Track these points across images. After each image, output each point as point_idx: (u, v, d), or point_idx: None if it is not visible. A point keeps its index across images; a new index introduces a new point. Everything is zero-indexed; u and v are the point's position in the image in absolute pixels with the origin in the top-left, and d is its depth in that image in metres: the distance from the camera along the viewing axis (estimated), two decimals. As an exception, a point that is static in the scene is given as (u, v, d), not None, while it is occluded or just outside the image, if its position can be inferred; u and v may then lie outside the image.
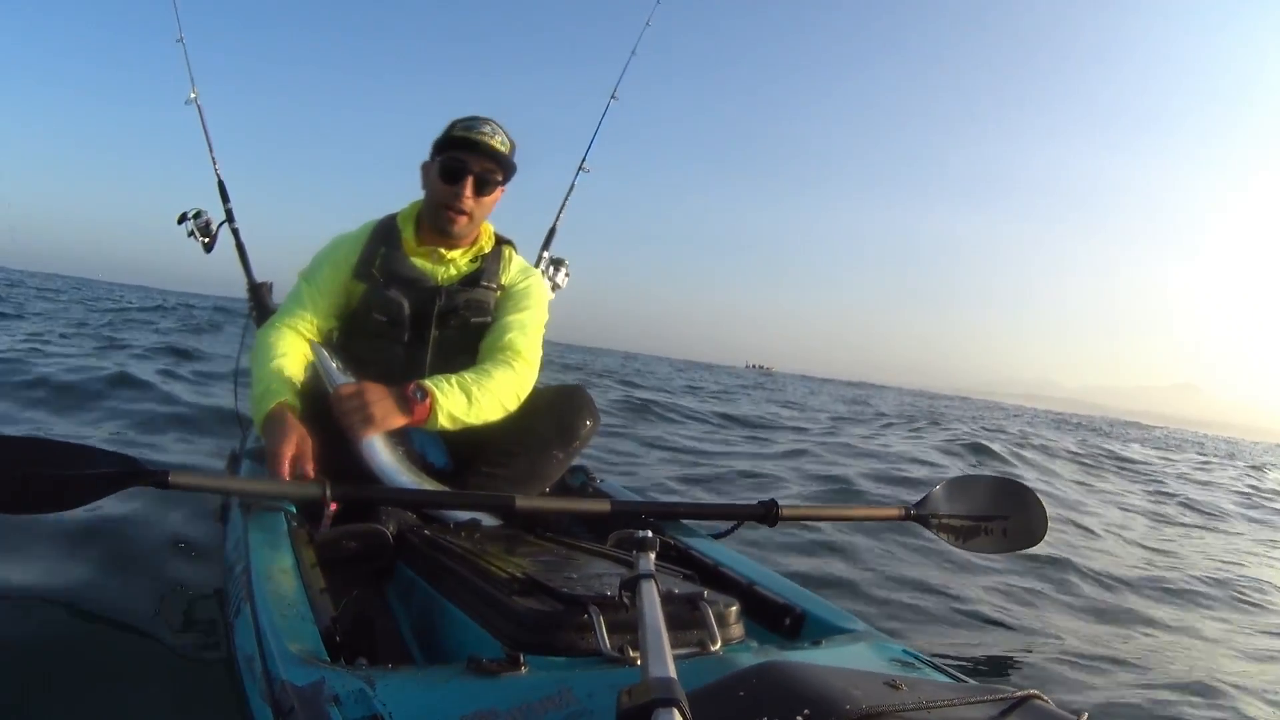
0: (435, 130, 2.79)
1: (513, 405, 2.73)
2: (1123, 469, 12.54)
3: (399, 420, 2.51)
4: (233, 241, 4.10)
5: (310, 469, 2.38)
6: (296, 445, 2.40)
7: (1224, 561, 5.54)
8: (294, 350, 2.72)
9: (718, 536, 2.62)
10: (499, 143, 2.73)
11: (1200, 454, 23.04)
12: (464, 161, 2.71)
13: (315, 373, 2.72)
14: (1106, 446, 16.27)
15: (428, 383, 2.56)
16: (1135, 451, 17.19)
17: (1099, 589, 4.07)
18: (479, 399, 2.62)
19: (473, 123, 2.72)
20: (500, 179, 2.79)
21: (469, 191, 2.73)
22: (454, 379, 2.61)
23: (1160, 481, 11.13)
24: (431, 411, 2.53)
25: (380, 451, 2.52)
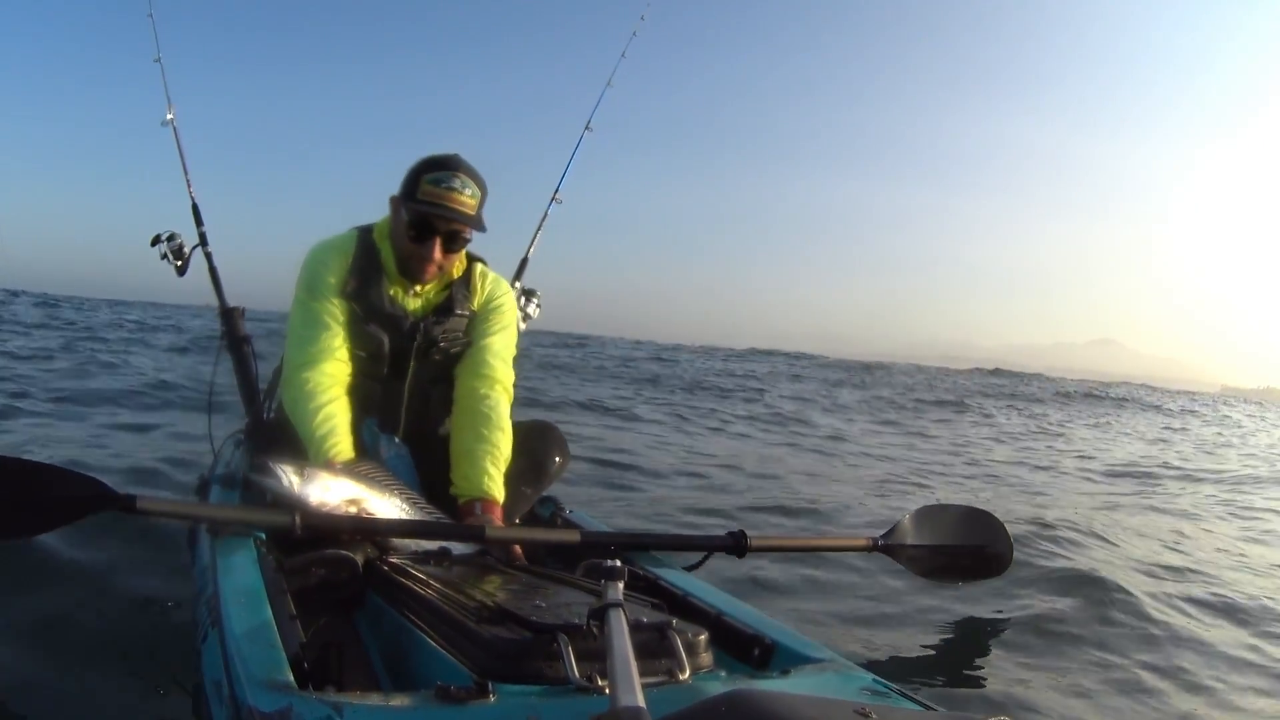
0: (405, 148, 2.74)
1: (509, 429, 2.81)
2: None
3: None
4: (205, 265, 4.08)
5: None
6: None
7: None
8: (339, 387, 2.72)
9: (689, 568, 2.62)
10: (469, 197, 2.67)
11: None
12: (432, 224, 2.67)
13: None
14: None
15: (490, 490, 2.70)
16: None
17: (1072, 610, 4.08)
18: (501, 468, 2.75)
19: (442, 177, 2.64)
20: (469, 235, 2.76)
21: (437, 252, 2.70)
22: (489, 472, 2.72)
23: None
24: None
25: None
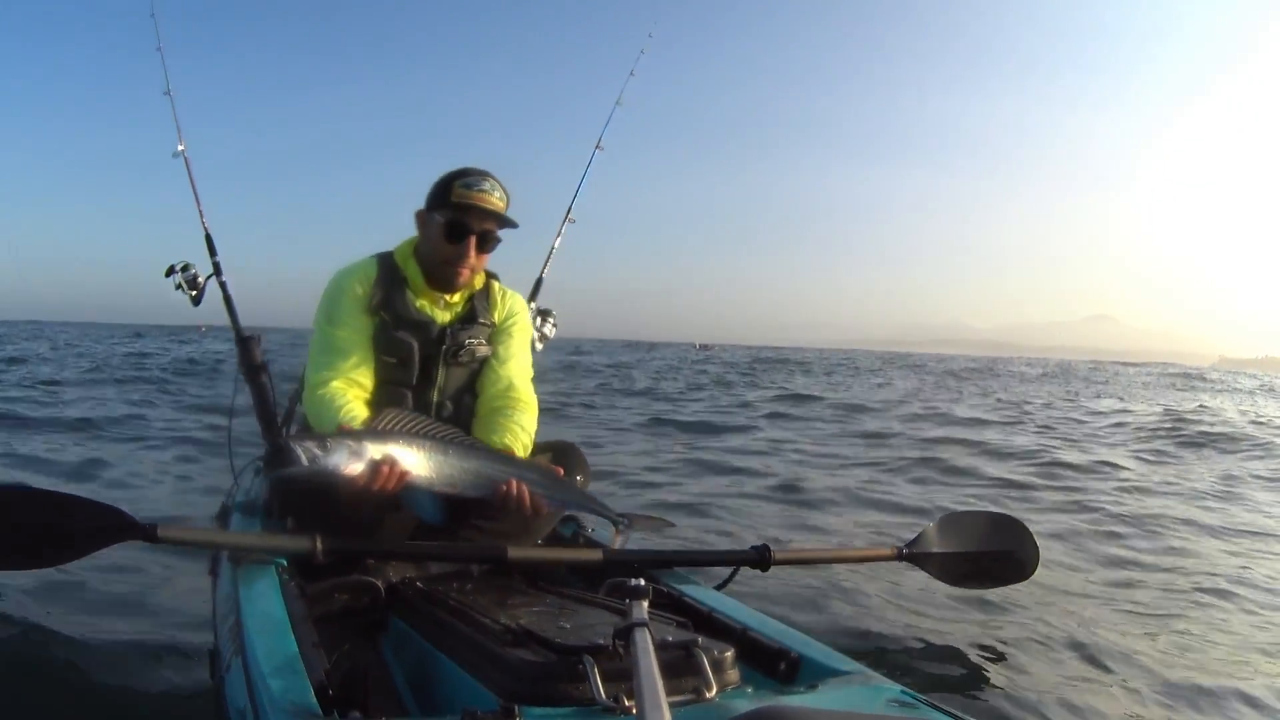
0: (414, 171, 2.78)
1: (529, 441, 2.83)
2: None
3: None
4: (220, 295, 4.10)
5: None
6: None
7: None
8: (357, 393, 2.72)
9: (718, 587, 2.60)
10: (498, 199, 2.78)
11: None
12: (466, 224, 2.75)
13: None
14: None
15: (511, 447, 2.71)
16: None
17: (1101, 615, 4.05)
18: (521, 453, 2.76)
19: (472, 181, 2.75)
20: (499, 236, 2.84)
21: (472, 252, 2.78)
22: (509, 446, 2.72)
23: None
24: None
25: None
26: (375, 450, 2.34)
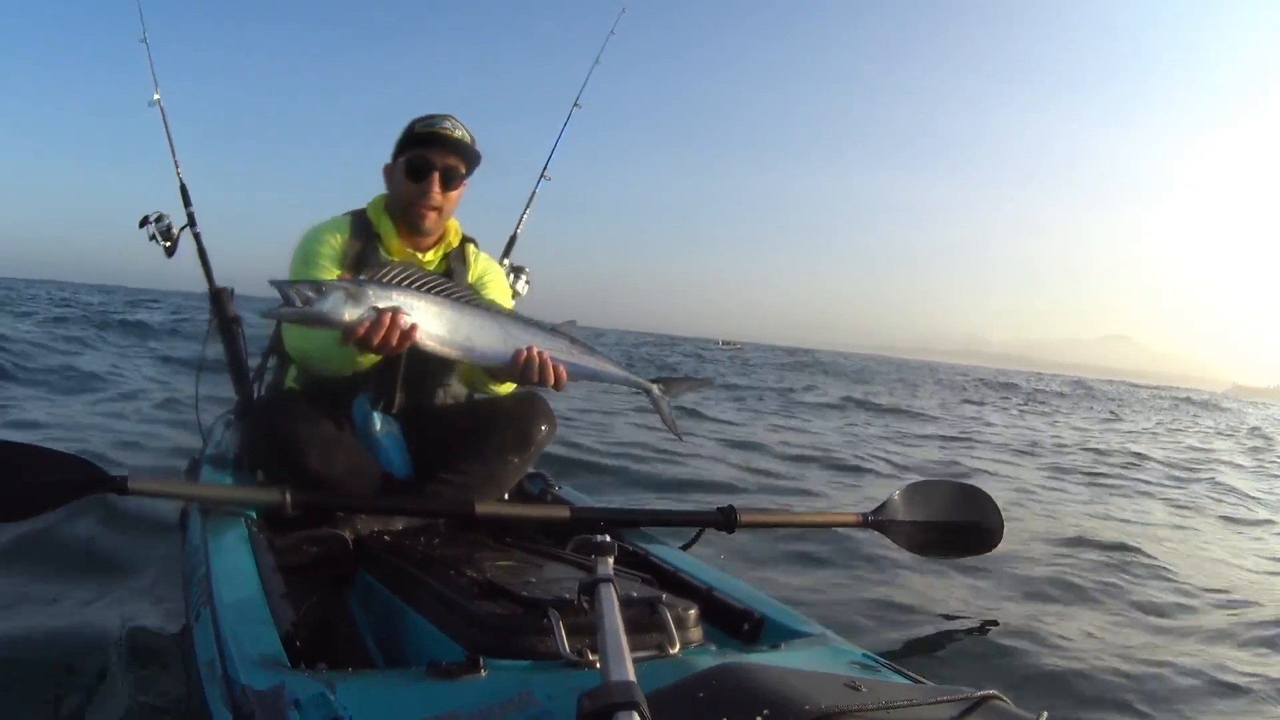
0: (390, 130, 2.77)
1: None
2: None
3: None
4: (194, 246, 4.06)
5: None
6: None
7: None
8: None
9: (684, 547, 2.63)
10: (460, 135, 2.76)
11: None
12: (428, 158, 2.73)
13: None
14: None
15: None
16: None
17: (1063, 588, 4.12)
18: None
19: (432, 119, 2.75)
20: (464, 171, 2.82)
21: (436, 187, 2.75)
22: None
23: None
24: None
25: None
26: (378, 297, 2.19)
